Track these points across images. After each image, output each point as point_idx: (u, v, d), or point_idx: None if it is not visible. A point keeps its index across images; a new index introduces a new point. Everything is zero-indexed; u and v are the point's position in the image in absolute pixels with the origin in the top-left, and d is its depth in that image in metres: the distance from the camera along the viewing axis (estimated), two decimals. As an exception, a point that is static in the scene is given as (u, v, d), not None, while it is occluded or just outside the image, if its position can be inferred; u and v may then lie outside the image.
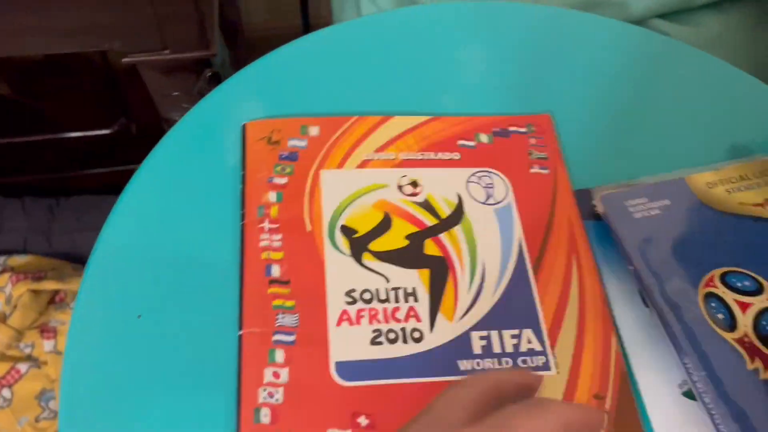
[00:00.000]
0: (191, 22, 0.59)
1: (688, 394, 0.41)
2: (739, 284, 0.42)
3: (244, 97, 0.51)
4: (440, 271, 0.44)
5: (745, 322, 0.41)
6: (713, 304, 0.41)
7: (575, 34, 0.59)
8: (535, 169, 0.49)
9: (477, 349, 0.41)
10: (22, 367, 0.93)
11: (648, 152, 0.51)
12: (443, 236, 0.45)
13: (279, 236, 0.44)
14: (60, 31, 0.61)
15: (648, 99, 0.55)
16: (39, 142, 1.03)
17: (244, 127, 0.49)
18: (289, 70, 0.53)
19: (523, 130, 0.51)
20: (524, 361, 0.41)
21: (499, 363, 0.41)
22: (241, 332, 0.40)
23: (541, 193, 0.48)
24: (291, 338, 0.40)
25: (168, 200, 0.46)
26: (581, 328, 0.42)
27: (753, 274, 0.43)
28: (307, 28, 1.23)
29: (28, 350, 0.94)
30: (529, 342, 0.42)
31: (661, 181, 0.47)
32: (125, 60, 0.60)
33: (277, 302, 0.41)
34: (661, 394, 0.41)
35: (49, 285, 0.95)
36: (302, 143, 0.48)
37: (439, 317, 0.42)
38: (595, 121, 0.53)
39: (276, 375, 0.39)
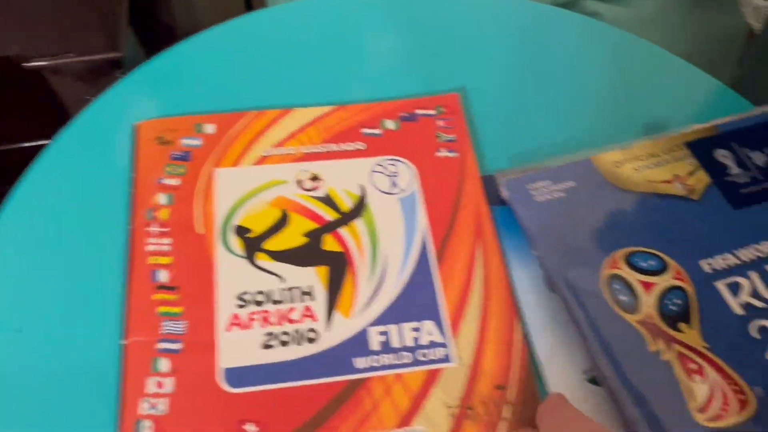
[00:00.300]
0: (95, 23, 0.57)
1: (593, 381, 0.39)
2: (643, 264, 0.41)
3: (138, 97, 0.49)
4: (339, 268, 0.42)
5: (648, 302, 0.39)
6: (617, 286, 0.40)
7: (491, 14, 0.57)
8: (443, 153, 0.47)
9: (375, 345, 0.39)
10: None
11: (561, 133, 0.50)
12: (343, 231, 0.43)
13: (168, 240, 0.42)
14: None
15: (563, 79, 0.54)
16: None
17: (135, 128, 0.47)
18: (186, 68, 0.52)
19: (431, 112, 0.49)
20: (424, 355, 0.39)
21: (398, 358, 0.39)
22: (124, 342, 0.39)
23: (448, 179, 0.46)
24: (177, 346, 0.38)
25: (54, 206, 0.44)
26: (485, 317, 0.41)
27: (658, 253, 0.41)
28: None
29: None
30: (430, 334, 0.40)
31: (567, 162, 0.46)
32: (27, 65, 0.57)
33: (162, 309, 0.40)
34: (566, 381, 0.39)
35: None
36: (196, 142, 0.46)
37: (336, 315, 0.40)
38: (509, 103, 0.52)
39: (159, 385, 0.37)
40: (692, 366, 0.37)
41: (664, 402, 0.36)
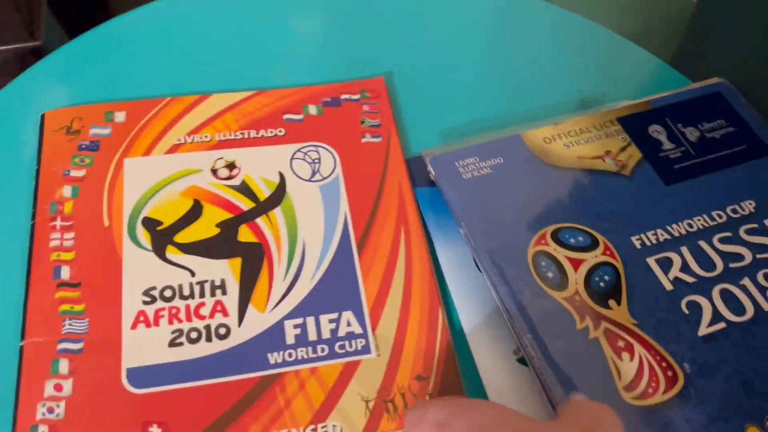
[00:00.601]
0: (12, 12, 0.54)
1: (522, 361, 0.37)
2: (572, 240, 0.39)
3: (49, 85, 0.47)
4: (254, 259, 0.40)
5: (576, 279, 0.38)
6: (543, 263, 0.38)
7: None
8: (367, 138, 0.45)
9: (290, 338, 0.37)
10: None
11: (492, 112, 0.48)
12: (260, 221, 0.41)
13: (71, 234, 0.39)
14: None
15: (495, 58, 0.52)
16: None
17: (42, 117, 0.44)
18: (99, 54, 0.49)
19: (356, 97, 0.47)
20: (342, 347, 0.37)
21: (314, 351, 0.37)
22: (22, 343, 0.36)
23: (371, 164, 0.44)
24: (78, 346, 0.36)
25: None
26: (406, 305, 0.39)
27: (588, 229, 0.40)
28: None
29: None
30: (349, 325, 0.38)
31: (495, 139, 0.44)
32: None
33: (64, 307, 0.37)
34: (495, 363, 0.37)
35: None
36: (105, 131, 0.44)
37: (250, 309, 0.38)
38: (436, 82, 0.50)
39: (58, 388, 0.35)
40: (620, 344, 0.36)
41: (591, 381, 0.34)
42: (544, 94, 0.49)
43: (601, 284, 0.38)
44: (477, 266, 0.40)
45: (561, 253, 0.38)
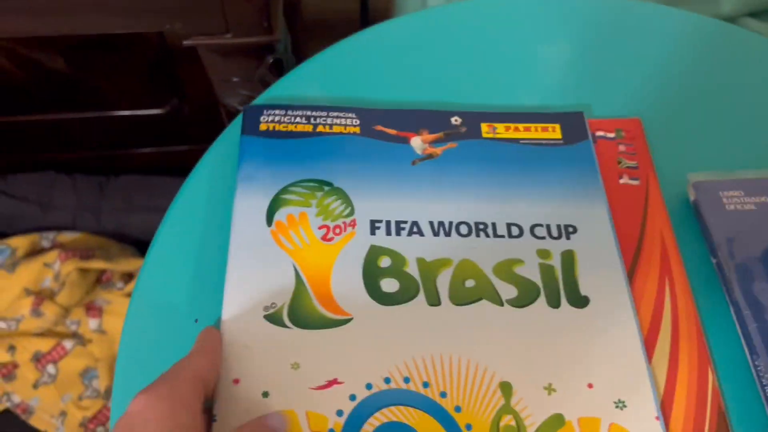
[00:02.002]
0: (255, 5, 0.56)
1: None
2: None
3: (306, 88, 0.48)
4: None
5: None
6: None
7: (656, 28, 0.54)
8: (625, 180, 0.45)
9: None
10: (68, 344, 0.93)
11: (743, 155, 0.47)
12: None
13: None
14: (118, 10, 0.59)
15: (737, 99, 0.50)
16: (90, 119, 1.02)
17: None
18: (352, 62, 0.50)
19: (611, 135, 0.47)
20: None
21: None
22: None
23: (630, 207, 0.44)
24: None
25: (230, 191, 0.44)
26: (673, 365, 0.38)
27: None
28: (365, 10, 1.20)
29: (74, 327, 0.94)
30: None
31: (762, 177, 0.43)
32: (186, 42, 0.57)
33: None
34: None
35: (96, 264, 0.94)
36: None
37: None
38: (685, 127, 0.48)
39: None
40: None
41: None
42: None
43: None
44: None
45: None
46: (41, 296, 0.92)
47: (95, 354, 0.93)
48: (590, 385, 0.37)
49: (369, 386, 0.36)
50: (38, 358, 0.93)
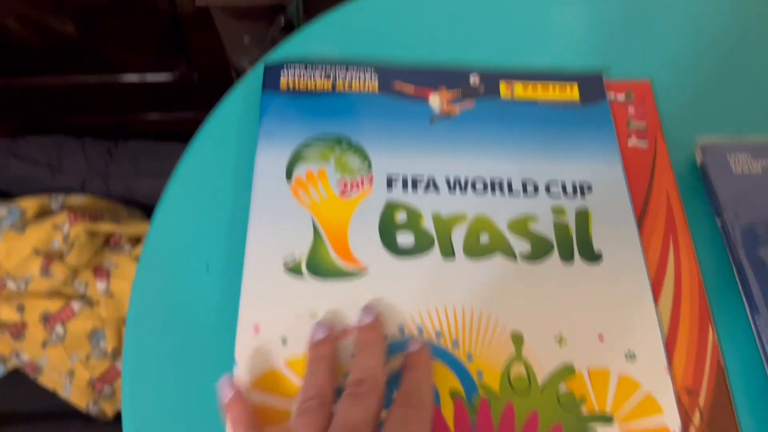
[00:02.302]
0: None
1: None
2: None
3: (314, 47, 0.49)
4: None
5: None
6: None
7: None
8: (633, 142, 0.46)
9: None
10: (76, 305, 0.94)
11: (759, 117, 0.48)
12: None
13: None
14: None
15: (747, 62, 0.51)
16: (99, 83, 1.03)
17: (326, 80, 0.47)
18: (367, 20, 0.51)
19: (621, 97, 0.48)
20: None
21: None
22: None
23: (638, 169, 0.45)
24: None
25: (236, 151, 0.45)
26: (675, 318, 0.40)
27: None
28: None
29: (81, 289, 0.95)
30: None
31: None
32: (199, 3, 0.57)
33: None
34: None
35: (105, 227, 0.95)
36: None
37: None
38: (695, 87, 0.49)
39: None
40: None
41: None
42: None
43: None
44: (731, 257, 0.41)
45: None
46: (50, 257, 0.93)
47: (102, 316, 0.95)
48: (601, 337, 0.38)
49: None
50: (47, 319, 0.94)
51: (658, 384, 0.37)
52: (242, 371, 0.37)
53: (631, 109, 0.47)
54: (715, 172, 0.43)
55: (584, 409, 0.36)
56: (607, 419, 0.36)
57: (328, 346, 0.36)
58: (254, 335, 0.38)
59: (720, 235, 0.43)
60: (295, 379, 0.37)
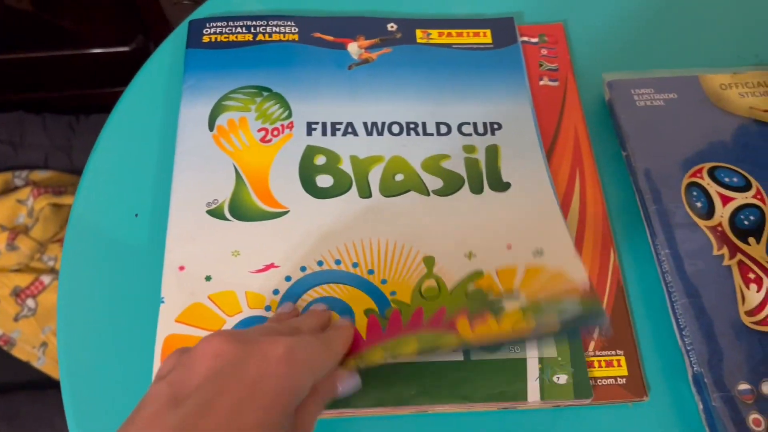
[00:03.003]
0: None
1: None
2: (726, 179, 0.42)
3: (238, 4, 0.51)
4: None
5: (722, 213, 0.41)
6: (695, 193, 0.42)
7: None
8: (545, 81, 0.48)
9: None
10: (46, 279, 0.96)
11: (665, 54, 0.50)
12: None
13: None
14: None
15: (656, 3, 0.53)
16: (58, 57, 1.03)
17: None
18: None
19: (534, 40, 0.50)
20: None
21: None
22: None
23: (548, 107, 0.47)
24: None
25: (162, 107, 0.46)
26: (578, 245, 0.42)
27: (744, 173, 0.43)
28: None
29: (51, 263, 0.97)
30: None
31: (673, 75, 0.47)
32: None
33: None
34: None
35: (69, 200, 0.97)
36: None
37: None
38: (607, 28, 0.51)
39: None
40: (751, 275, 0.39)
41: (715, 299, 0.39)
42: (719, 52, 0.51)
43: (746, 222, 0.41)
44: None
45: (713, 188, 0.42)
46: (15, 231, 0.94)
47: (73, 288, 0.96)
48: (509, 246, 0.41)
49: (303, 269, 0.40)
50: (17, 293, 0.96)
51: (569, 265, 0.40)
52: (168, 306, 0.39)
53: (544, 51, 0.49)
54: (620, 106, 0.45)
55: (491, 296, 0.39)
56: (514, 296, 0.39)
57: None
58: (179, 274, 0.40)
59: (625, 168, 0.45)
60: (217, 311, 0.39)
